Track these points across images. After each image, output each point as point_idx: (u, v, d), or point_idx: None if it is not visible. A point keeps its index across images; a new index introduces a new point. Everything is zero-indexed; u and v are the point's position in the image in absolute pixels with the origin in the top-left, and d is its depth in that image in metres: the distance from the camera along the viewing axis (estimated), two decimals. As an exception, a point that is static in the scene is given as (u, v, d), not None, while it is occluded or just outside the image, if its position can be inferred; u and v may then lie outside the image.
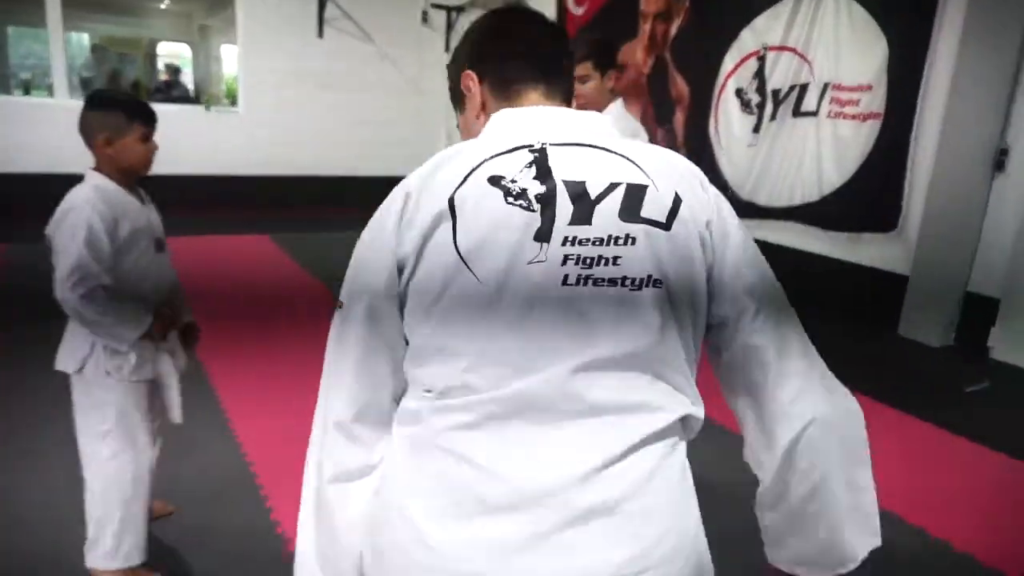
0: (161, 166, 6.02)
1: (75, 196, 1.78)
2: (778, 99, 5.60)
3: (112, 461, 1.89)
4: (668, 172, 0.94)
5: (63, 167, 6.23)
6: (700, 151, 6.31)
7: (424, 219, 0.88)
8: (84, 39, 10.71)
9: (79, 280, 1.71)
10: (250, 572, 2.08)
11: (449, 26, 8.40)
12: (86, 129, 1.81)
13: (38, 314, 3.04)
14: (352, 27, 7.85)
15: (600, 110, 2.33)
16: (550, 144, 0.91)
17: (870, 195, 5.00)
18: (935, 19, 4.52)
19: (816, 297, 5.32)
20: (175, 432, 2.12)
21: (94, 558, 1.93)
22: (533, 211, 0.86)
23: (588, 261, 0.85)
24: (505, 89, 1.02)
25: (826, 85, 5.21)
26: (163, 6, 11.09)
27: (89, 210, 1.74)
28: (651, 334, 0.88)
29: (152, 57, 10.87)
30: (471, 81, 1.05)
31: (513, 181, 0.87)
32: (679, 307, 0.91)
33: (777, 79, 5.59)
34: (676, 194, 0.91)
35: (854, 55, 5.01)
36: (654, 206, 0.89)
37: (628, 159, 0.92)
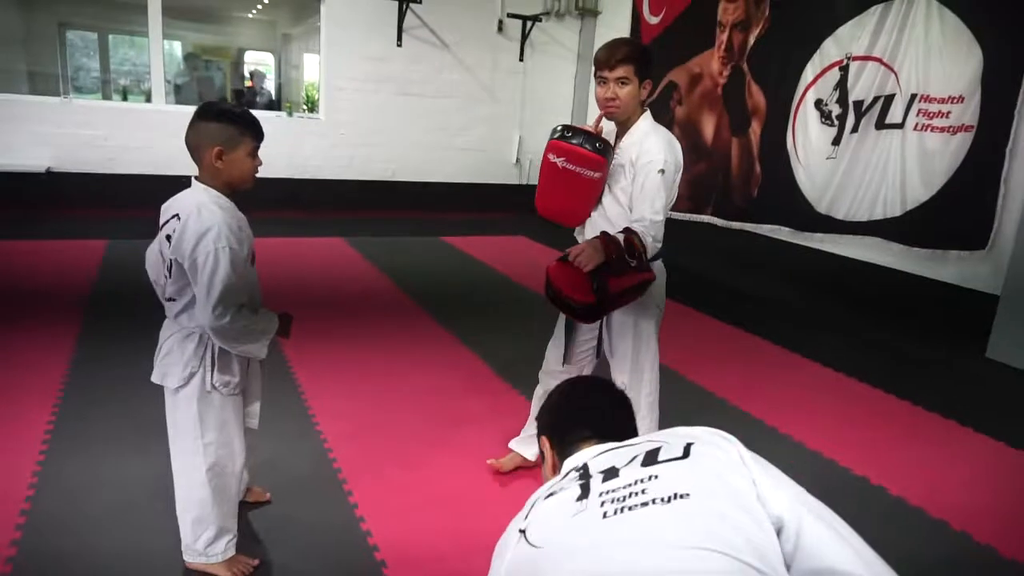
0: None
1: (206, 218, 1.77)
2: (860, 111, 5.45)
3: (211, 471, 1.95)
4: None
5: (165, 169, 6.63)
6: (776, 163, 6.20)
7: None
8: (176, 47, 11.27)
9: (229, 303, 1.76)
10: (332, 562, 2.16)
11: (524, 35, 8.48)
12: (198, 140, 1.81)
13: (136, 313, 3.43)
14: (429, 35, 8.02)
15: (631, 117, 2.34)
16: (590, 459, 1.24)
17: (958, 211, 4.81)
18: (1034, 27, 4.33)
19: (898, 315, 5.16)
20: (262, 427, 2.23)
21: (194, 554, 2.02)
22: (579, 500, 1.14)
23: (621, 498, 1.10)
24: (567, 448, 1.34)
25: (913, 96, 5.04)
26: (250, 15, 11.58)
27: (227, 231, 1.78)
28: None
29: (238, 65, 11.35)
30: (545, 447, 1.40)
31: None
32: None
33: (860, 90, 5.44)
34: (687, 444, 1.18)
35: (945, 65, 4.84)
36: (669, 452, 1.17)
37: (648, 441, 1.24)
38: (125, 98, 11.03)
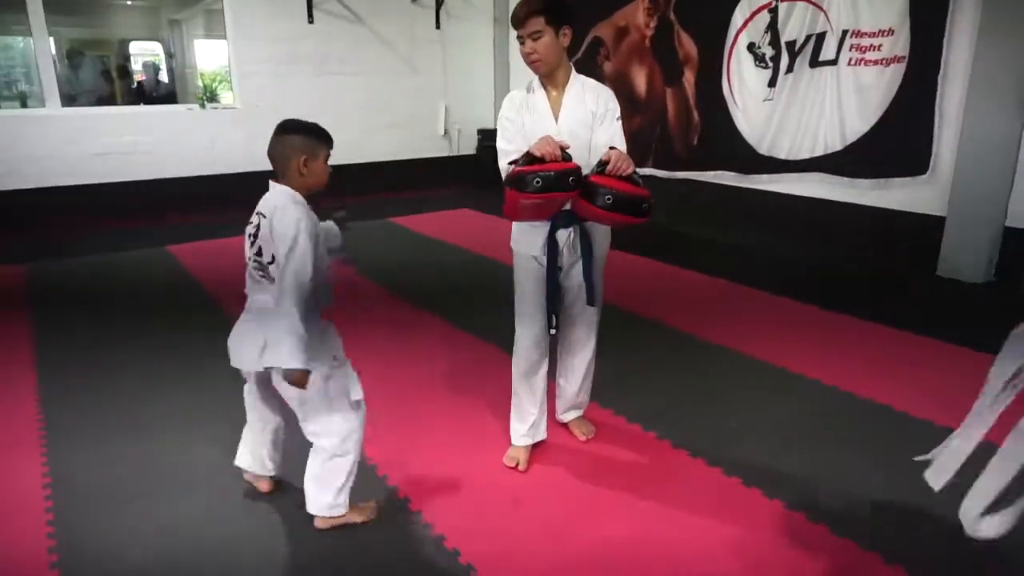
0: (164, 169, 5.87)
1: (290, 216, 1.97)
2: (794, 51, 5.59)
3: (357, 431, 2.17)
4: None
5: (71, 178, 5.98)
6: (713, 109, 6.30)
7: None
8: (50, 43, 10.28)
9: (300, 292, 1.94)
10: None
11: (438, 2, 8.22)
12: (285, 151, 2.03)
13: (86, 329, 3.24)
14: (342, 9, 7.64)
15: (554, 67, 2.35)
16: None
17: (897, 140, 5.04)
18: (957, -43, 4.53)
19: (849, 245, 5.40)
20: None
21: (330, 508, 2.19)
22: None
23: None
24: None
25: (845, 32, 5.21)
26: (130, 2, 10.71)
27: (307, 221, 1.99)
28: None
29: (128, 58, 10.49)
30: None
31: None
32: None
33: (791, 30, 5.57)
34: None
35: (873, 0, 5.01)
36: None
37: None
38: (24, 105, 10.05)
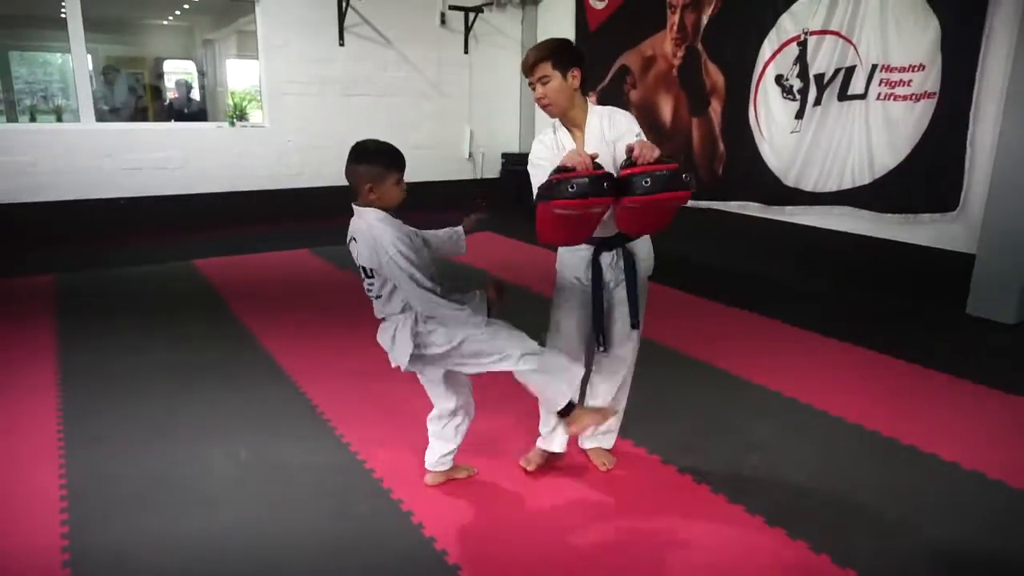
0: (192, 185, 5.93)
1: (381, 237, 2.20)
2: (822, 84, 5.57)
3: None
4: None
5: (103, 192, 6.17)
6: (739, 140, 6.28)
7: None
8: (87, 60, 10.54)
9: (423, 281, 2.17)
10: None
11: (467, 27, 8.32)
12: (353, 180, 2.25)
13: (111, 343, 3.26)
14: (371, 32, 7.75)
15: (567, 108, 2.40)
16: None
17: (927, 176, 4.98)
18: (990, -8, 4.50)
19: (876, 280, 5.32)
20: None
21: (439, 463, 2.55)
22: None
23: None
24: None
25: (874, 67, 5.18)
26: (166, 22, 10.95)
27: (392, 236, 2.20)
28: None
29: (161, 76, 10.71)
30: None
31: None
32: None
33: (820, 63, 5.55)
34: None
35: (903, 35, 4.98)
36: None
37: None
38: (33, 119, 10.29)
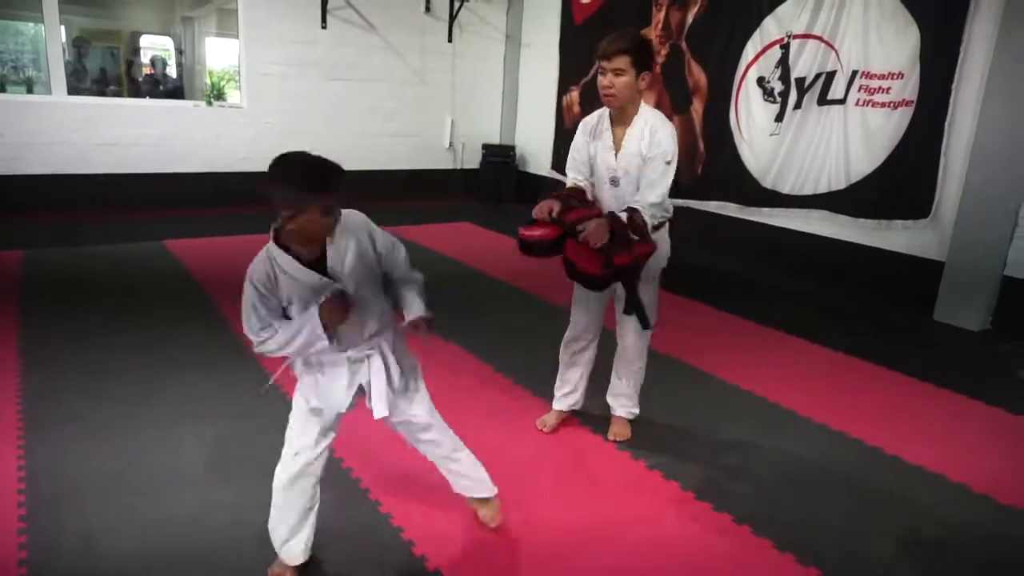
0: (166, 164, 5.84)
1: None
2: (803, 87, 5.62)
3: None
4: None
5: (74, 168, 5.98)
6: (719, 140, 6.32)
7: None
8: (60, 31, 10.28)
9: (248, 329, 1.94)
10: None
11: (452, 16, 8.25)
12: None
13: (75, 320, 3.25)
14: (355, 16, 7.66)
15: (625, 104, 2.46)
16: None
17: (901, 183, 5.06)
18: (969, 3, 4.56)
19: (849, 283, 5.40)
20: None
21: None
22: None
23: None
24: None
25: (855, 73, 5.24)
26: (143, -4, 10.73)
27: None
28: None
29: (136, 50, 10.46)
30: None
31: None
32: None
33: (802, 67, 5.60)
34: None
35: (884, 42, 5.05)
36: None
37: None
38: (3, 89, 10.01)
